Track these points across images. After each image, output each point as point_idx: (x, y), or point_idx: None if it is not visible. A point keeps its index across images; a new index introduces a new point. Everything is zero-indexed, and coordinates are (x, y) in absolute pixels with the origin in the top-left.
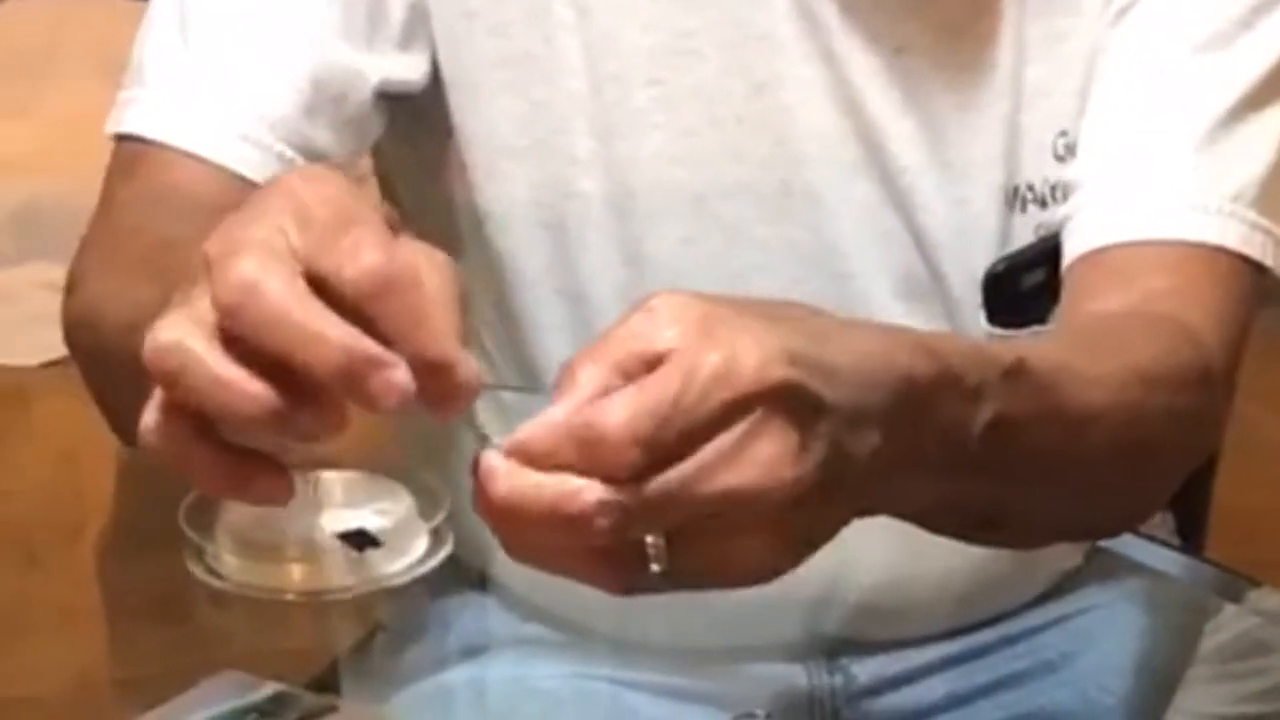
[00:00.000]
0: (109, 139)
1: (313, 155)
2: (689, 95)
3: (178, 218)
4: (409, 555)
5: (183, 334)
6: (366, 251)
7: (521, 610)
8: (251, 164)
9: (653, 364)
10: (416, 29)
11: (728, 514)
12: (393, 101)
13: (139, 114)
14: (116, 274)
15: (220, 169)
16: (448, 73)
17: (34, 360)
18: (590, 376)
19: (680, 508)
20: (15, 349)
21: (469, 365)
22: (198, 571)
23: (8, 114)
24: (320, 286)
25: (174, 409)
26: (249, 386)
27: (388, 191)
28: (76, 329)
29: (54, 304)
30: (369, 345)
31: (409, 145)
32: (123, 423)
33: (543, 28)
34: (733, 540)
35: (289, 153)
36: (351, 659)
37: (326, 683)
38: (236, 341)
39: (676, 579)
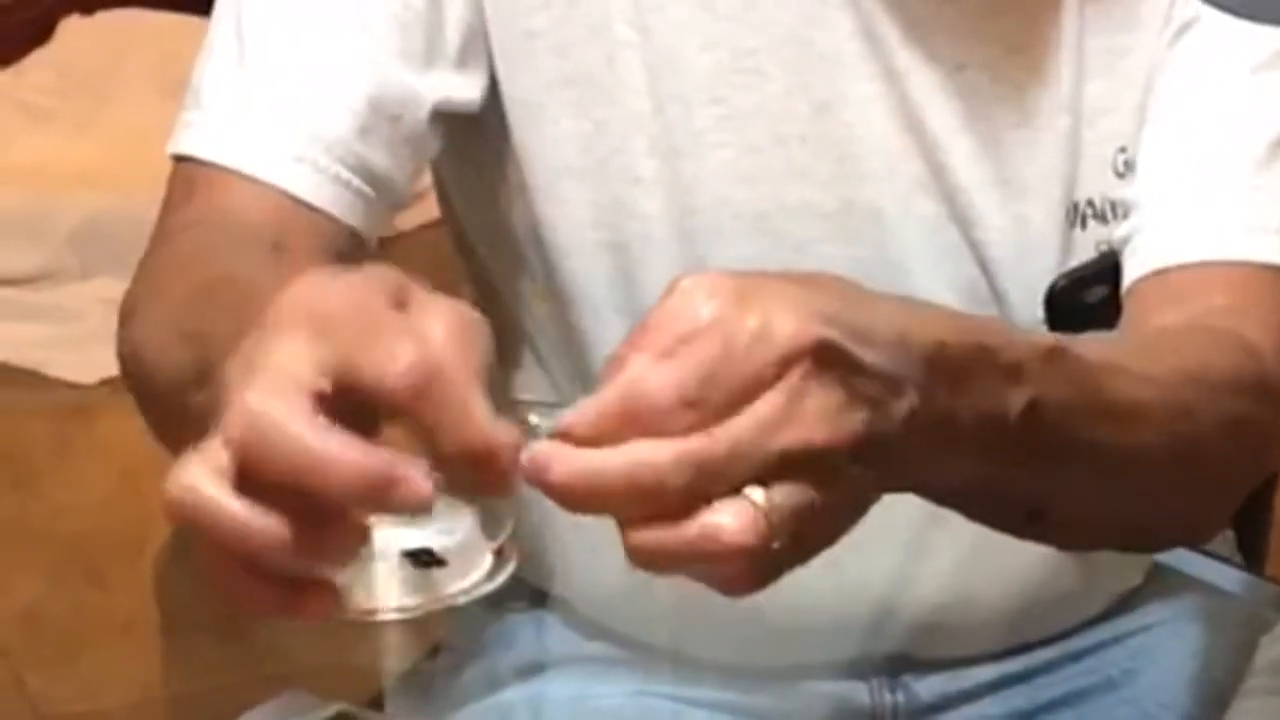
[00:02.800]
0: (171, 157)
1: (368, 176)
2: (752, 114)
3: (232, 245)
4: (473, 574)
5: (195, 479)
6: (399, 348)
7: (582, 628)
8: (307, 185)
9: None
10: (473, 49)
11: (798, 471)
12: (450, 121)
13: (196, 136)
14: (164, 318)
15: (275, 190)
16: (508, 92)
17: (94, 378)
18: (635, 362)
19: (749, 461)
20: (77, 366)
21: (510, 443)
22: None
23: (71, 131)
24: (352, 391)
25: (214, 550)
26: (259, 522)
27: (447, 211)
28: (129, 364)
29: (115, 321)
30: (381, 459)
31: (468, 165)
32: (176, 449)
33: (604, 47)
34: (814, 501)
35: (344, 174)
36: (409, 678)
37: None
38: (254, 476)
39: (787, 553)
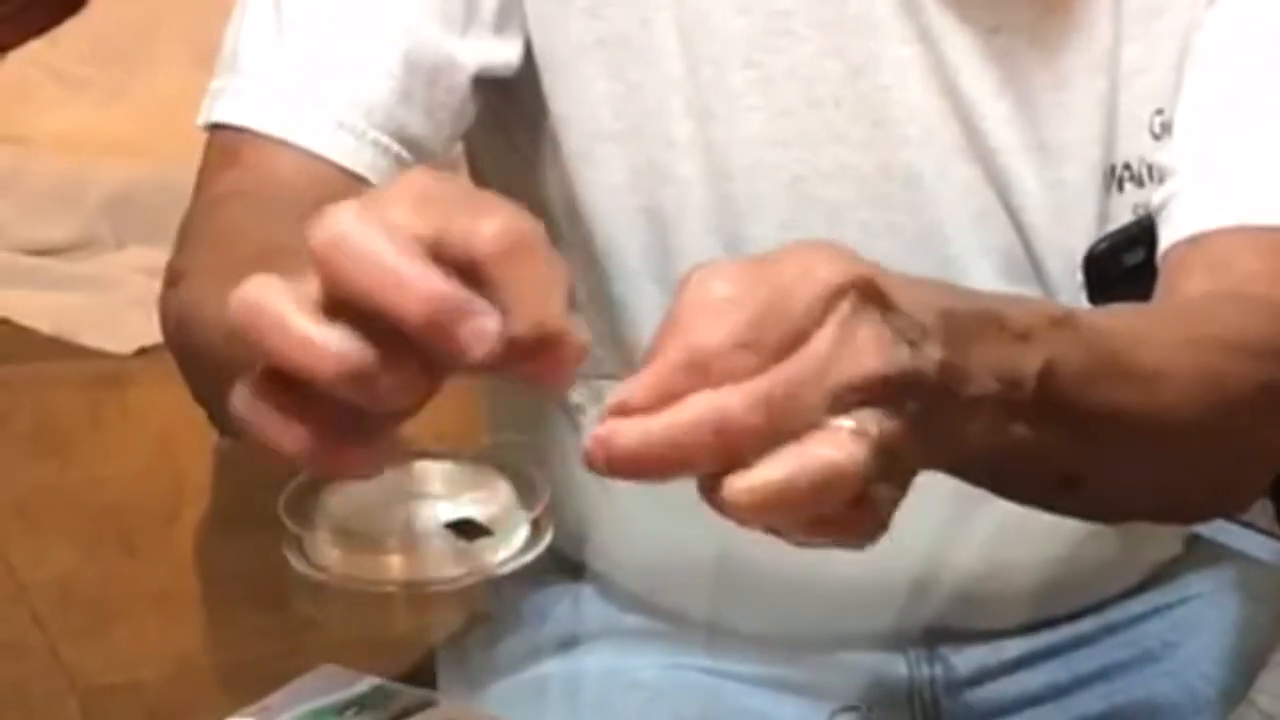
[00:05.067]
0: (206, 125)
1: (408, 142)
2: (786, 77)
3: (278, 212)
4: (511, 545)
5: (269, 292)
6: (493, 217)
7: (619, 600)
8: (347, 152)
9: None
10: (510, 12)
11: (866, 401)
12: (486, 87)
13: (233, 103)
14: (219, 278)
15: (317, 158)
16: (541, 56)
17: (129, 347)
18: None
19: (818, 393)
20: (113, 335)
21: (583, 331)
22: (298, 564)
23: (104, 99)
24: (444, 258)
25: (264, 379)
26: (330, 344)
27: (477, 179)
28: (177, 326)
29: (151, 290)
30: (458, 292)
31: (502, 131)
32: (220, 416)
33: (639, 9)
34: (892, 425)
35: (384, 139)
36: (448, 650)
37: (423, 674)
38: (333, 307)
39: (886, 485)
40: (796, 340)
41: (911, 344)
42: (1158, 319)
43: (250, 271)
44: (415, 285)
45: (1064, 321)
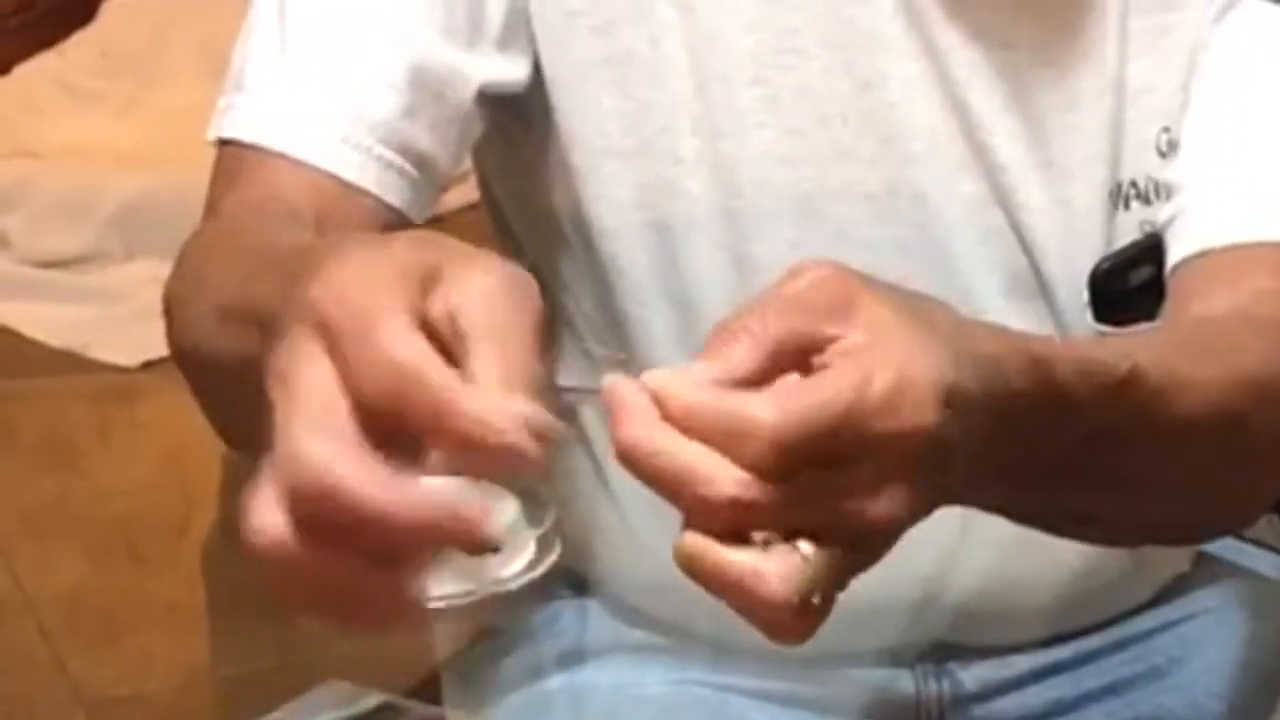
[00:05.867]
0: (215, 141)
1: (413, 156)
2: (794, 94)
3: (273, 225)
4: (519, 560)
5: (264, 521)
6: (371, 372)
7: (625, 616)
8: (351, 167)
9: (809, 349)
10: (517, 29)
11: (855, 538)
12: (493, 103)
13: (239, 119)
14: (207, 299)
15: (320, 173)
16: (550, 73)
17: (137, 360)
18: (745, 349)
19: (809, 517)
20: (121, 349)
21: (512, 420)
22: None
23: (114, 111)
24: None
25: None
26: (327, 564)
27: (487, 194)
28: (177, 349)
29: (160, 302)
30: (439, 503)
31: (510, 148)
32: (229, 431)
33: (647, 27)
34: (859, 562)
35: (389, 154)
36: (454, 666)
37: (429, 689)
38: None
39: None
40: (836, 465)
41: (949, 480)
42: (1193, 352)
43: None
44: (398, 517)
45: (1128, 383)
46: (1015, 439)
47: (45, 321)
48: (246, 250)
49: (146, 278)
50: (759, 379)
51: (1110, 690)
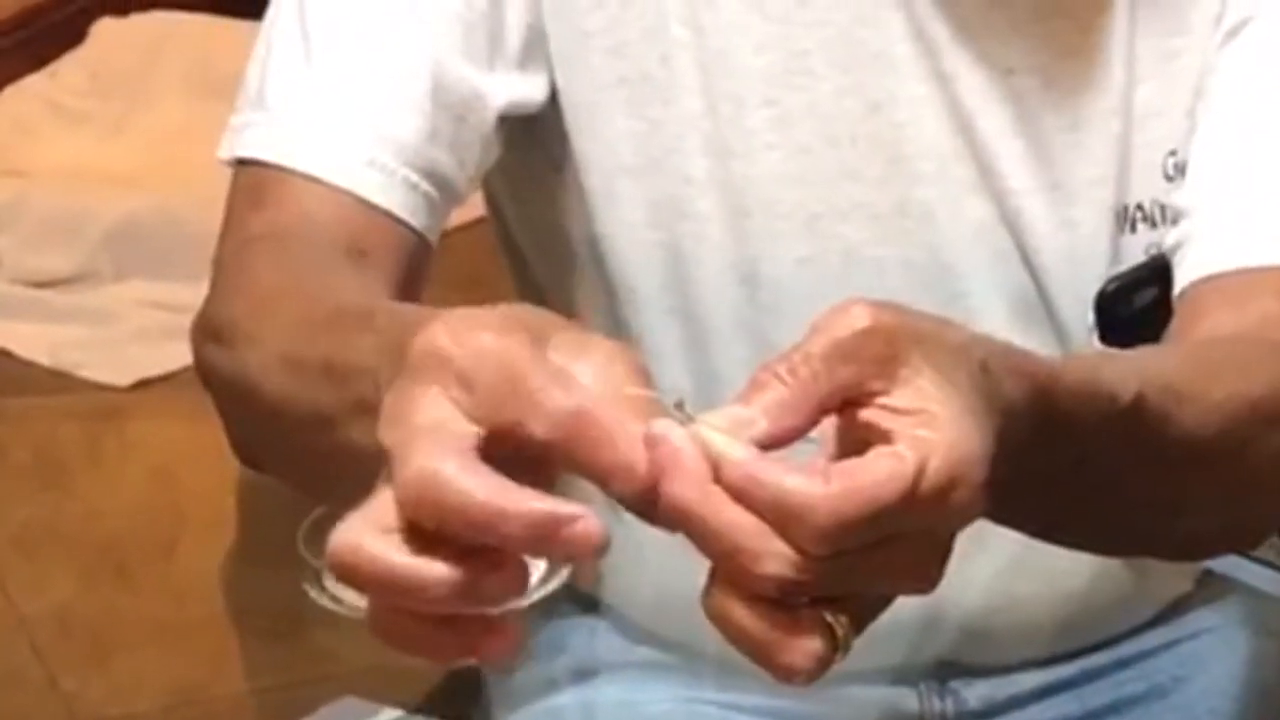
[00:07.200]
0: (206, 158)
1: (435, 178)
2: (804, 115)
3: (314, 256)
4: (530, 578)
5: (357, 537)
6: (550, 405)
7: (632, 633)
8: (378, 189)
9: (853, 400)
10: (534, 49)
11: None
12: (510, 125)
13: (261, 138)
14: (270, 342)
15: (348, 195)
16: (565, 93)
17: (127, 380)
18: (794, 399)
19: (844, 589)
20: (112, 368)
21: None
22: (319, 597)
23: (105, 132)
24: (505, 438)
25: (384, 606)
26: (427, 573)
27: (494, 212)
28: (228, 385)
29: (150, 321)
30: (549, 509)
31: (522, 167)
32: (251, 452)
33: (659, 47)
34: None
35: (413, 176)
36: (462, 682)
37: (439, 703)
38: (425, 530)
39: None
40: (878, 547)
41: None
42: (1200, 375)
43: (303, 336)
44: (509, 517)
45: (1133, 410)
46: (1018, 463)
47: (36, 341)
48: (310, 298)
49: (137, 298)
50: (804, 429)
51: (1113, 709)
